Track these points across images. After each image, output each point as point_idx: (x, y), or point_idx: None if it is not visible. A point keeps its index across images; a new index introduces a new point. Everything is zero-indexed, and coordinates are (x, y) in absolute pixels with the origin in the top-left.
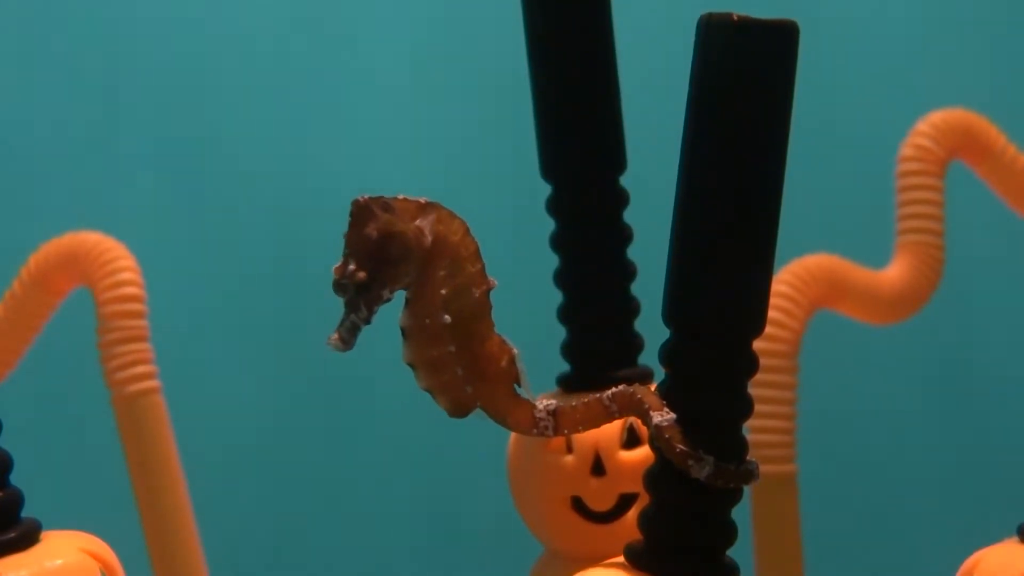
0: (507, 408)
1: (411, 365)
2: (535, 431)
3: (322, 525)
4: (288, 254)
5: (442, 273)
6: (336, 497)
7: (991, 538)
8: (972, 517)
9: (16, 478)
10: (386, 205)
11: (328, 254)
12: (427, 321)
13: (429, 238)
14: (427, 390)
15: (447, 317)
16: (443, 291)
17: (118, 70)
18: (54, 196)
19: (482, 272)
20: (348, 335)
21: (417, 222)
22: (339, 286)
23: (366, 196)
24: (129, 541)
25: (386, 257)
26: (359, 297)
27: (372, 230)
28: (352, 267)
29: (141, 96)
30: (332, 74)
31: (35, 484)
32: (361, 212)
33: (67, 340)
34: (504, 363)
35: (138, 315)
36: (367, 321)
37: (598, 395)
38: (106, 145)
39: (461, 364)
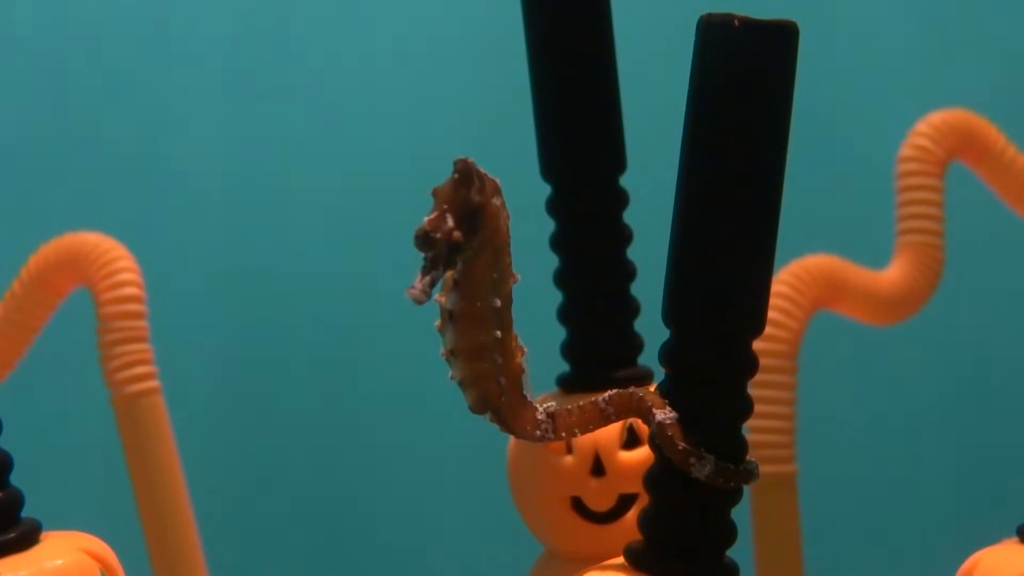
0: (518, 408)
1: (452, 352)
2: (538, 433)
3: (322, 525)
4: (287, 252)
5: (491, 257)
6: (336, 497)
7: (991, 538)
8: (972, 517)
9: (16, 478)
10: (481, 175)
11: (318, 254)
12: (478, 304)
13: (501, 220)
14: (461, 380)
15: (497, 301)
16: (494, 274)
17: (118, 68)
18: (54, 196)
19: (511, 265)
20: (428, 288)
21: (493, 200)
22: (428, 239)
23: (470, 158)
24: (129, 541)
25: (475, 226)
26: (445, 255)
27: (475, 194)
28: (450, 224)
29: (136, 94)
30: (328, 70)
31: (35, 484)
32: (467, 173)
33: (67, 340)
34: (519, 359)
35: (138, 315)
36: (436, 283)
37: (594, 398)
38: (106, 143)
39: (500, 352)
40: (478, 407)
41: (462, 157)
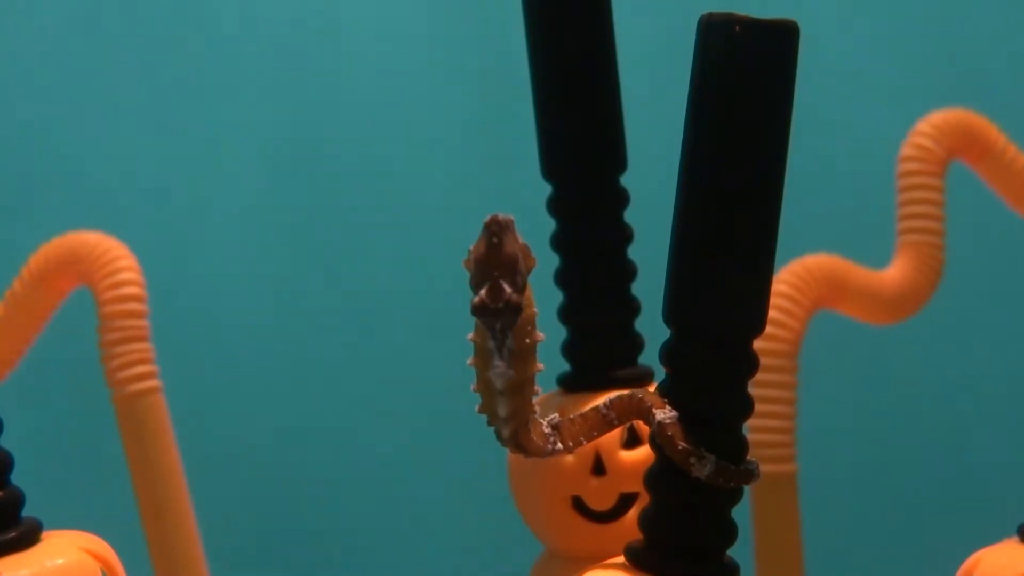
0: (533, 428)
1: (502, 392)
2: (549, 448)
3: (322, 524)
4: (287, 253)
5: (530, 293)
6: (336, 496)
7: (991, 538)
8: (972, 517)
9: (17, 478)
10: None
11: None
12: (527, 341)
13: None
14: (505, 416)
15: (541, 334)
16: (533, 309)
17: (119, 68)
18: (55, 196)
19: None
20: (511, 360)
21: (519, 240)
22: (492, 311)
23: (498, 215)
24: (130, 541)
25: (524, 277)
26: (511, 320)
27: (515, 248)
28: (508, 291)
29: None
30: (332, 73)
31: (36, 484)
32: (503, 230)
33: (68, 340)
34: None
35: (139, 315)
36: (511, 350)
37: (595, 405)
38: (107, 143)
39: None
40: (512, 439)
41: (492, 216)
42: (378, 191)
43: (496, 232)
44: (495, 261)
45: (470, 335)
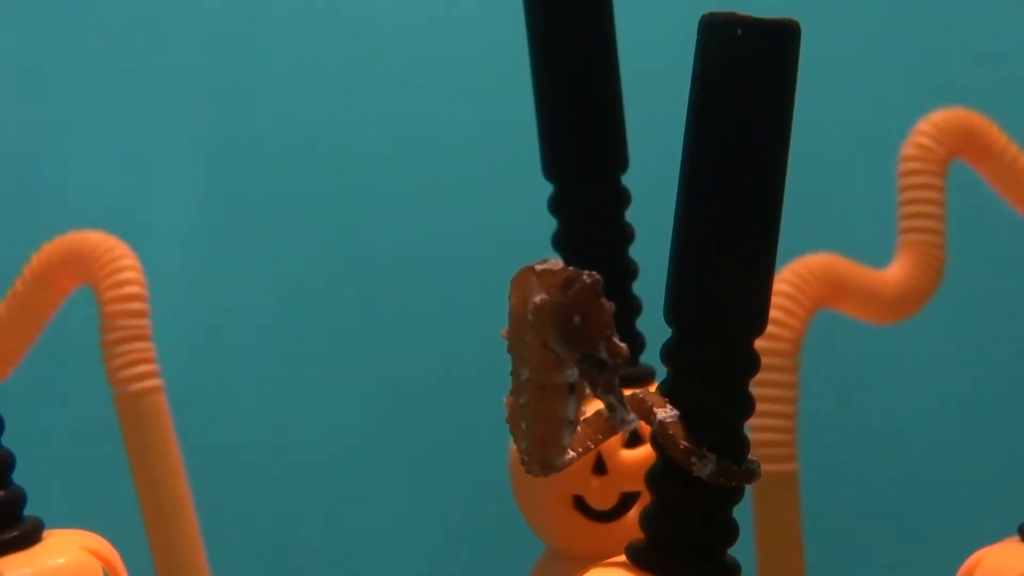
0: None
1: (569, 422)
2: (566, 458)
3: (323, 524)
4: (289, 256)
5: None
6: (337, 497)
7: (991, 538)
8: (972, 517)
9: (18, 477)
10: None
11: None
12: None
13: None
14: (564, 446)
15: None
16: None
17: (120, 69)
18: (56, 196)
19: None
20: (627, 406)
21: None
22: (615, 368)
23: (584, 271)
24: (131, 540)
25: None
26: (625, 367)
27: (610, 302)
28: (620, 344)
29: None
30: (334, 78)
31: (37, 483)
32: (599, 285)
33: (69, 339)
34: None
35: (140, 314)
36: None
37: (598, 410)
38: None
39: None
40: (561, 465)
41: (590, 277)
42: (379, 192)
43: (593, 289)
44: (606, 319)
45: (524, 375)
